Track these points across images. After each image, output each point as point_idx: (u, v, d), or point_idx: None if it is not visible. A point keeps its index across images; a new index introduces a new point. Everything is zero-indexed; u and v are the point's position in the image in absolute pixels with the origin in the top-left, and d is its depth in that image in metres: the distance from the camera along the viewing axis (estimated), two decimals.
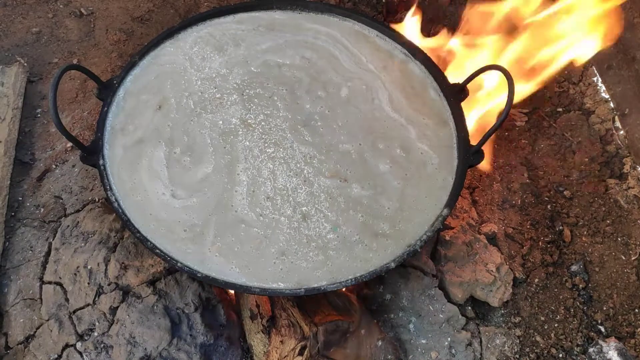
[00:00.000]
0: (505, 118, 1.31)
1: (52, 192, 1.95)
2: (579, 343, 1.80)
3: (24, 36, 2.35)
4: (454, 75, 1.85)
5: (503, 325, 1.81)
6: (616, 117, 2.26)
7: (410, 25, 2.11)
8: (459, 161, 1.53)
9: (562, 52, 1.97)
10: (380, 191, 1.47)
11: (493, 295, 1.80)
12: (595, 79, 2.37)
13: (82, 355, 1.63)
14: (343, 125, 1.57)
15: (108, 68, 2.29)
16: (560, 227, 2.04)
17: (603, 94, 2.33)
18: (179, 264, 1.34)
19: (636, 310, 1.87)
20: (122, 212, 1.40)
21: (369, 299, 1.80)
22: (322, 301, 1.65)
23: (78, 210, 1.89)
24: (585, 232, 2.03)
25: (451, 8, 2.61)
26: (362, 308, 1.71)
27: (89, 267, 1.74)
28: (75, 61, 2.31)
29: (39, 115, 2.14)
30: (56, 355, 1.64)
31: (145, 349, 1.61)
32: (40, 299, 1.73)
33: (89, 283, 1.72)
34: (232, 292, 1.83)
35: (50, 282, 1.75)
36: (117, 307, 1.68)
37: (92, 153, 1.47)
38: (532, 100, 2.32)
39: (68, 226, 1.83)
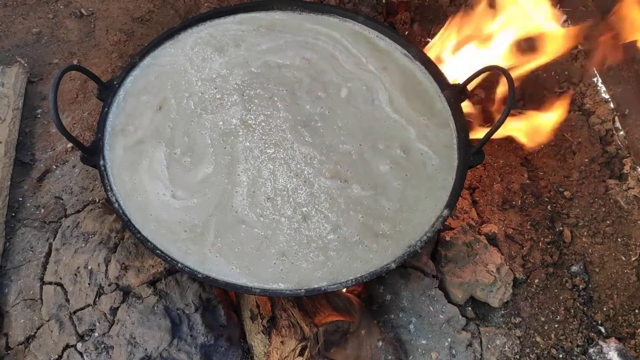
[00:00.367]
0: (505, 118, 1.31)
1: (53, 193, 1.95)
2: (579, 344, 1.80)
3: (25, 37, 2.35)
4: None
5: (503, 325, 1.82)
6: (616, 118, 2.26)
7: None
8: (459, 162, 1.53)
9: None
10: (381, 192, 1.47)
11: (493, 296, 1.81)
12: (595, 79, 2.37)
13: (82, 356, 1.63)
14: (343, 125, 1.57)
15: (108, 69, 2.29)
16: (561, 228, 2.04)
17: (603, 95, 2.33)
18: (179, 265, 1.34)
19: (636, 310, 1.87)
20: (122, 213, 1.40)
21: (370, 299, 1.80)
22: (323, 302, 1.65)
23: (78, 211, 1.89)
24: (585, 233, 2.03)
25: (451, 8, 2.61)
26: (363, 308, 1.71)
27: (89, 267, 1.74)
28: (75, 62, 2.31)
29: (39, 116, 2.14)
30: (57, 356, 1.64)
31: (146, 349, 1.61)
32: (41, 299, 1.73)
33: (89, 283, 1.72)
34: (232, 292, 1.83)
35: (50, 283, 1.75)
36: (118, 307, 1.68)
37: (92, 154, 1.47)
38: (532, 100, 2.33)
39: (68, 227, 1.83)
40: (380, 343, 1.68)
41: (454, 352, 1.72)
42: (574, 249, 1.99)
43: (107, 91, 1.57)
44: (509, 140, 2.26)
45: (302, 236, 1.40)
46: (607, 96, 2.32)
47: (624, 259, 1.96)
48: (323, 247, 1.39)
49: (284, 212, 1.43)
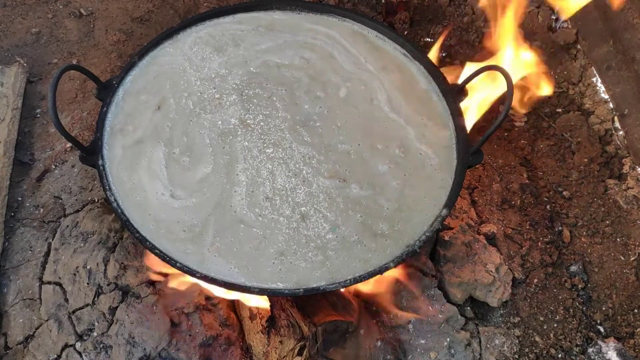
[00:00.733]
0: (504, 118, 1.31)
1: (52, 193, 1.95)
2: (578, 343, 1.80)
3: (24, 36, 2.35)
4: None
5: (502, 325, 1.82)
6: (615, 118, 2.26)
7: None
8: (458, 161, 1.53)
9: None
10: (379, 191, 1.47)
11: (492, 296, 1.81)
12: (594, 79, 2.37)
13: (81, 355, 1.63)
14: (342, 125, 1.57)
15: (107, 68, 2.29)
16: (560, 228, 2.04)
17: (602, 95, 2.33)
18: (178, 264, 1.34)
19: (635, 310, 1.87)
20: (121, 212, 1.40)
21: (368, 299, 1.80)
22: (321, 301, 1.66)
23: (77, 211, 1.89)
24: (584, 233, 2.03)
25: (450, 8, 2.61)
26: (361, 308, 1.71)
27: (88, 267, 1.74)
28: (74, 61, 2.31)
29: (38, 116, 2.14)
30: (55, 356, 1.64)
31: (145, 349, 1.61)
32: (40, 299, 1.73)
33: (88, 283, 1.72)
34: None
35: (49, 282, 1.75)
36: (117, 307, 1.68)
37: (91, 153, 1.47)
38: (532, 100, 2.33)
39: (67, 226, 1.84)
40: (379, 343, 1.68)
41: (452, 351, 1.72)
42: (573, 249, 1.99)
43: (106, 91, 1.57)
44: (509, 140, 2.26)
45: (301, 236, 1.40)
46: (606, 96, 2.32)
47: (623, 258, 1.96)
48: (322, 247, 1.39)
49: (283, 211, 1.43)
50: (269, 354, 1.60)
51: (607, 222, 2.04)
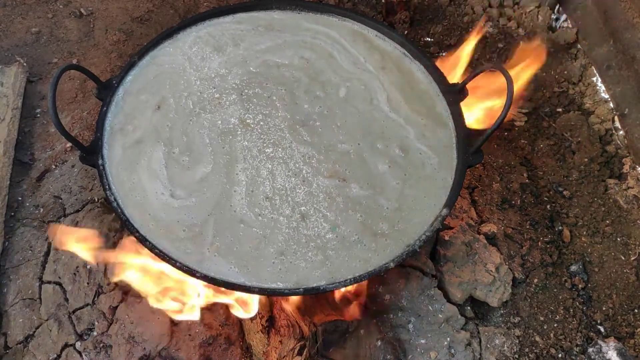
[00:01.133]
0: (504, 118, 1.31)
1: (52, 192, 1.95)
2: (579, 343, 1.80)
3: (24, 36, 2.35)
4: None
5: (502, 325, 1.81)
6: (616, 117, 2.26)
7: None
8: (458, 161, 1.53)
9: None
10: (379, 191, 1.47)
11: (492, 296, 1.80)
12: (594, 79, 2.37)
13: (81, 355, 1.63)
14: (342, 125, 1.57)
15: (107, 68, 2.29)
16: (560, 227, 2.04)
17: (602, 94, 2.33)
18: (177, 264, 1.34)
19: (635, 310, 1.87)
20: (121, 212, 1.40)
21: (368, 299, 1.80)
22: (321, 301, 1.66)
23: (77, 210, 1.89)
24: (584, 232, 2.03)
25: (451, 8, 2.61)
26: (362, 308, 1.71)
27: (88, 266, 1.74)
28: (74, 61, 2.31)
29: (38, 116, 2.14)
30: (55, 355, 1.65)
31: (145, 348, 1.61)
32: (40, 298, 1.73)
33: (88, 283, 1.72)
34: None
35: (49, 282, 1.75)
36: (117, 306, 1.68)
37: (91, 153, 1.47)
38: (532, 100, 2.33)
39: (67, 226, 1.84)
40: (379, 342, 1.68)
41: (453, 351, 1.72)
42: (573, 249, 1.99)
43: (106, 91, 1.57)
44: (509, 139, 2.26)
45: (301, 235, 1.40)
46: (606, 96, 2.32)
47: (623, 258, 1.96)
48: (322, 247, 1.39)
49: (283, 211, 1.43)
50: (269, 353, 1.60)
51: (608, 221, 2.04)
